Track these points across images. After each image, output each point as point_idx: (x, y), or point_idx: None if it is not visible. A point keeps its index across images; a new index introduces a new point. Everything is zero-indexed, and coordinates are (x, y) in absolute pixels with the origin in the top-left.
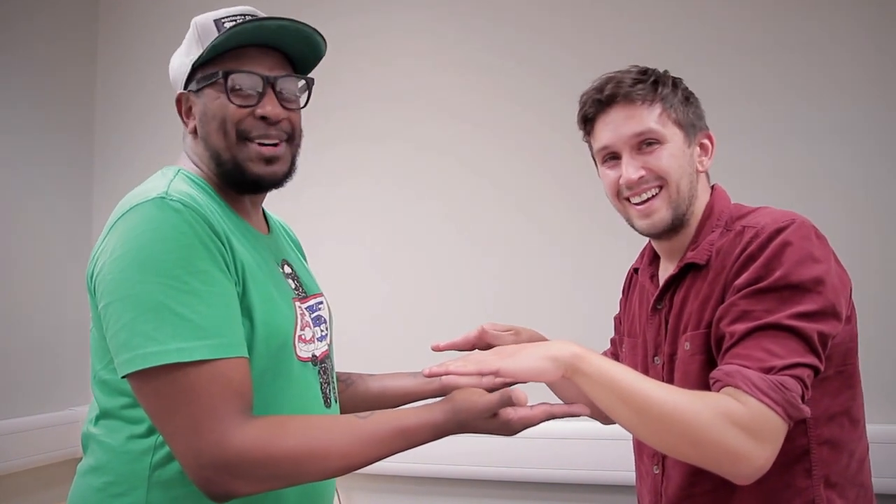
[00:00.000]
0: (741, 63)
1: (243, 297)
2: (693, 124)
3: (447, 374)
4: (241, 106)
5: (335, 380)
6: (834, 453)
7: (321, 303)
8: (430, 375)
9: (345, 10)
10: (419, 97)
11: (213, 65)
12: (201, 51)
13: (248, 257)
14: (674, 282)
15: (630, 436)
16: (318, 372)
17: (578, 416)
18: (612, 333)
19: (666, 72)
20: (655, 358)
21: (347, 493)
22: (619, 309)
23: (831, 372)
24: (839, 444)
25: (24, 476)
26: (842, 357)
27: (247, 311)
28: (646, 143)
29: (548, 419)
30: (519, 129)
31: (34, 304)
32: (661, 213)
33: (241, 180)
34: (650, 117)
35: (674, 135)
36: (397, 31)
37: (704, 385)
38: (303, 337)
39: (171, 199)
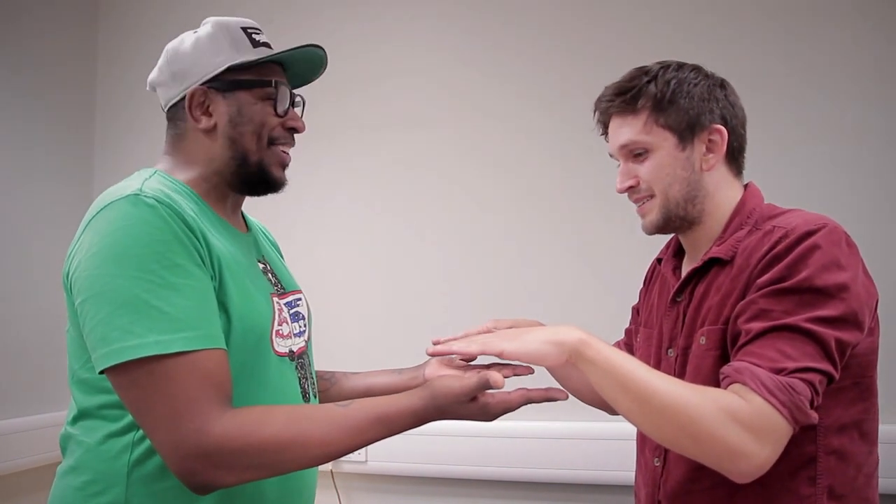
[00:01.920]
0: (742, 62)
1: (220, 292)
2: (690, 125)
3: (450, 353)
4: (279, 115)
5: (313, 375)
6: (841, 464)
7: (300, 300)
8: (434, 354)
9: (342, 16)
10: (420, 95)
11: (248, 72)
12: (234, 54)
13: (225, 252)
14: (696, 275)
15: (630, 436)
16: (296, 367)
17: (556, 400)
18: (609, 338)
19: (664, 70)
20: (669, 350)
21: (347, 493)
22: (637, 299)
23: (847, 383)
24: (847, 455)
25: (24, 476)
26: (860, 369)
27: (223, 306)
28: (633, 152)
29: (526, 403)
30: (524, 125)
31: (34, 305)
32: (652, 215)
33: (260, 181)
34: (634, 127)
35: (663, 140)
36: (395, 37)
37: (715, 381)
38: (280, 332)
39: (145, 196)
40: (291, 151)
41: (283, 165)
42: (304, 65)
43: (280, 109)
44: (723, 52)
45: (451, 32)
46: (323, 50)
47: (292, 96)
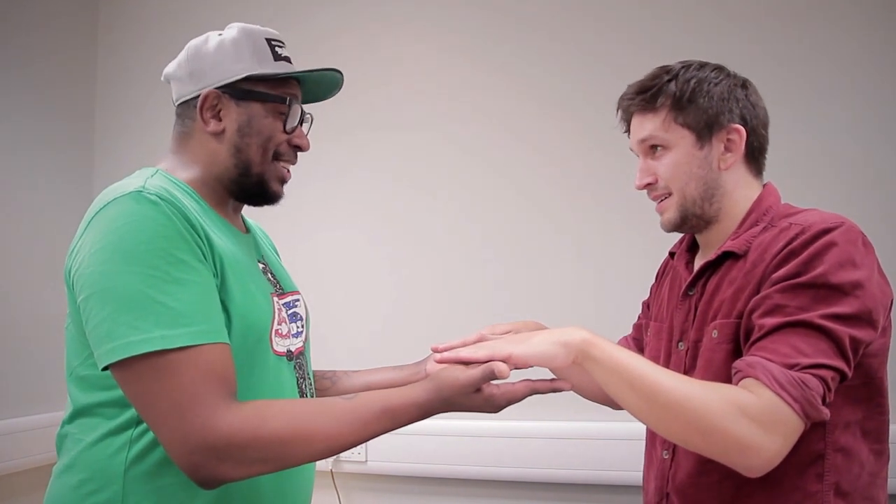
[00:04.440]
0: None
1: (221, 290)
2: (709, 124)
3: (458, 360)
4: (287, 132)
5: (311, 377)
6: (846, 462)
7: (298, 300)
8: (441, 361)
9: (345, 15)
10: (423, 95)
11: (265, 84)
12: (255, 64)
13: (227, 251)
14: (708, 268)
15: (632, 436)
16: (294, 367)
17: (561, 391)
18: (615, 335)
19: (685, 69)
20: (679, 343)
21: (347, 493)
22: (647, 295)
23: (857, 382)
24: (852, 453)
25: (21, 477)
26: (871, 368)
27: (224, 304)
28: (653, 147)
29: (531, 394)
30: (527, 125)
31: (34, 304)
32: (669, 213)
33: (258, 193)
34: (653, 124)
35: (681, 138)
36: (403, 25)
37: (727, 375)
38: (279, 332)
39: (147, 193)
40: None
41: (283, 181)
42: (320, 85)
43: (289, 127)
44: (739, 54)
45: (457, 29)
46: (342, 74)
47: (302, 114)
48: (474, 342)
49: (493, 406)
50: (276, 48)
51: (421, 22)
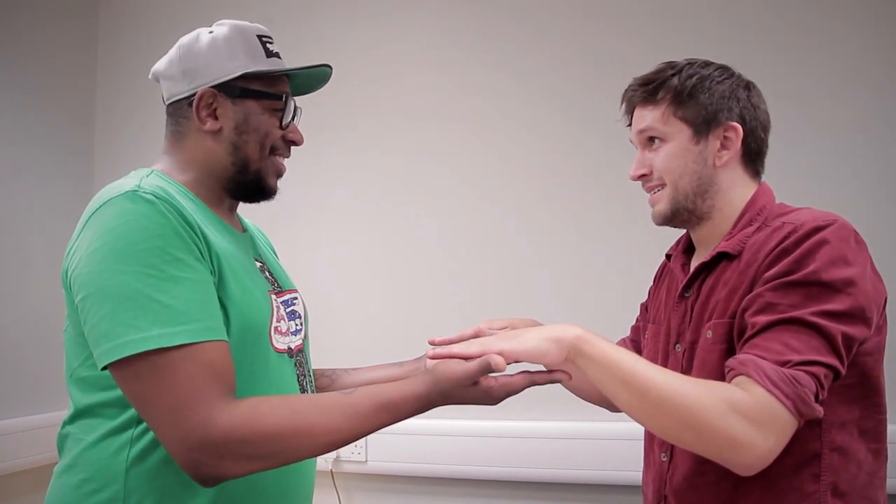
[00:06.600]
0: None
1: (220, 288)
2: (707, 120)
3: (451, 356)
4: (283, 128)
5: (311, 374)
6: (843, 462)
7: (296, 298)
8: (434, 357)
9: (344, 12)
10: (421, 92)
11: (259, 82)
12: (249, 61)
13: (224, 249)
14: (704, 269)
15: (632, 436)
16: (295, 364)
17: (559, 382)
18: (614, 338)
19: (690, 65)
20: (677, 345)
21: (347, 493)
22: (646, 297)
23: (853, 381)
24: (848, 452)
25: (22, 476)
26: (866, 367)
27: (222, 302)
28: (650, 139)
29: (529, 385)
30: (527, 124)
31: (34, 304)
32: (661, 205)
33: (256, 188)
34: (652, 115)
35: (678, 132)
36: (390, 36)
37: (722, 374)
38: (279, 329)
39: (143, 192)
40: (292, 150)
41: (279, 175)
42: (310, 79)
43: (285, 123)
44: (730, 52)
45: (458, 26)
46: (331, 69)
47: (294, 108)
48: (471, 336)
49: (492, 398)
50: (267, 45)
51: (421, 18)
